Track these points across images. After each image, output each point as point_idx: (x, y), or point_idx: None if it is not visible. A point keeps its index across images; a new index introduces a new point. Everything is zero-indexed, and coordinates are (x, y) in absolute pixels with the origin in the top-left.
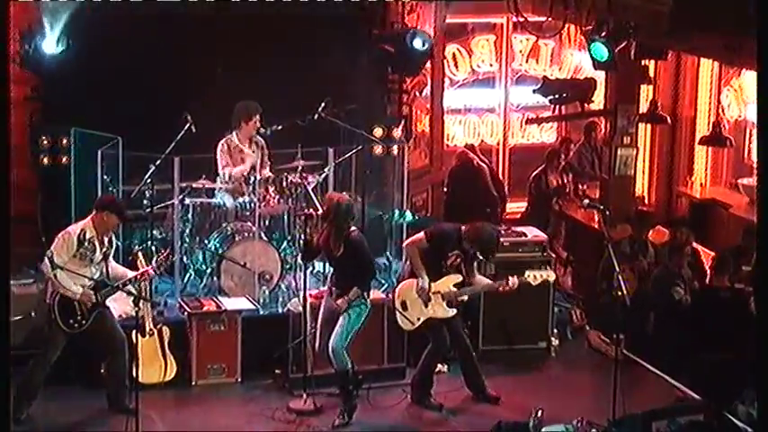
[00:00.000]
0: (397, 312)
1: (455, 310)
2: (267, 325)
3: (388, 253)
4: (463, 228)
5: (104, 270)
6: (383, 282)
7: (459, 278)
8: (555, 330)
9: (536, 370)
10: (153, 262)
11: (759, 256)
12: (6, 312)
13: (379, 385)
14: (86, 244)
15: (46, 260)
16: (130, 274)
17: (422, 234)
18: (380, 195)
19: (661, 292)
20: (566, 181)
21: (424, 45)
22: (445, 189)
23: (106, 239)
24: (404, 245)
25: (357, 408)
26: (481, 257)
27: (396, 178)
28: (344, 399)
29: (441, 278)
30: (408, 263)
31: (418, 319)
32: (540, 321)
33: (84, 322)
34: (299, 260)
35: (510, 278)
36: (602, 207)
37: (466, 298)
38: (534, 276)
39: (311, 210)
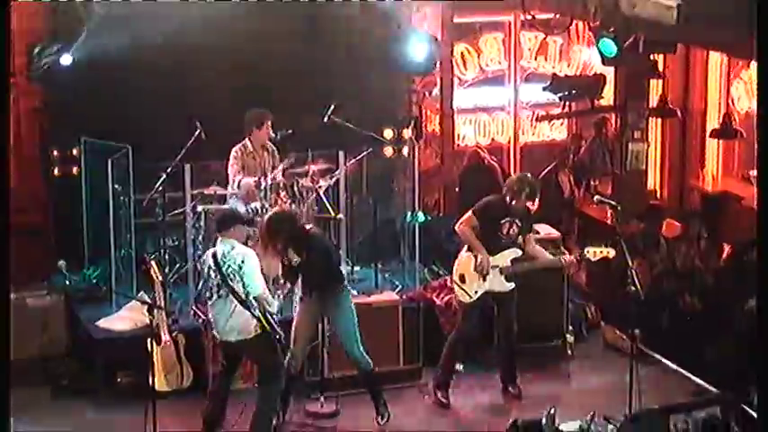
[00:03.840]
0: (455, 286)
1: (513, 285)
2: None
3: (401, 255)
4: (504, 189)
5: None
6: (397, 283)
7: (518, 253)
8: (570, 327)
9: (552, 367)
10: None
11: (760, 256)
12: (7, 312)
13: (394, 387)
14: None
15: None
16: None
17: (469, 213)
18: (392, 197)
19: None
20: (577, 182)
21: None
22: (457, 189)
23: None
24: (456, 227)
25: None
26: (532, 208)
27: (407, 179)
28: (376, 398)
29: (499, 252)
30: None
31: (476, 292)
32: (555, 319)
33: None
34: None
35: (568, 255)
36: (614, 203)
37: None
38: (594, 252)
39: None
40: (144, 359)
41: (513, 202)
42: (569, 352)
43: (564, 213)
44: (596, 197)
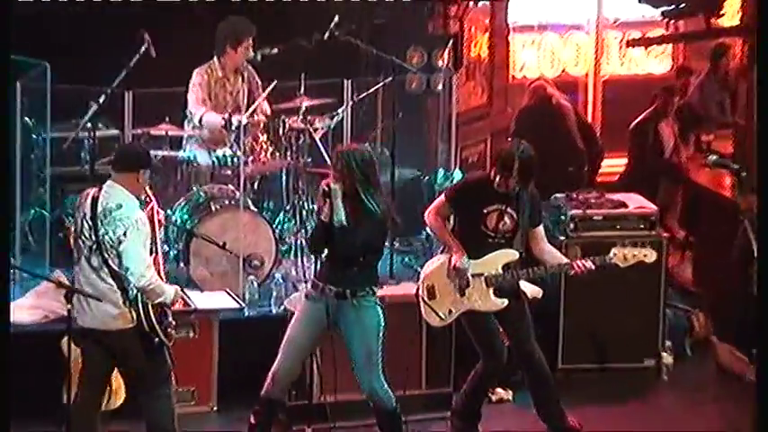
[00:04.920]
0: (422, 302)
1: (506, 301)
2: (255, 331)
3: (427, 230)
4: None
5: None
6: (419, 270)
7: (513, 255)
8: (668, 343)
9: (640, 398)
10: None
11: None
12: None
13: (416, 418)
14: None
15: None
16: None
17: (442, 196)
18: (418, 148)
19: None
20: (683, 135)
21: None
22: (510, 139)
23: None
24: (425, 216)
25: None
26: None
27: (440, 124)
28: None
29: (485, 255)
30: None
31: (450, 312)
32: (647, 330)
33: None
34: (306, 245)
35: (581, 259)
36: (736, 166)
37: (533, 289)
38: (624, 256)
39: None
40: (56, 365)
41: (499, 182)
42: (664, 377)
43: (664, 179)
44: (710, 157)
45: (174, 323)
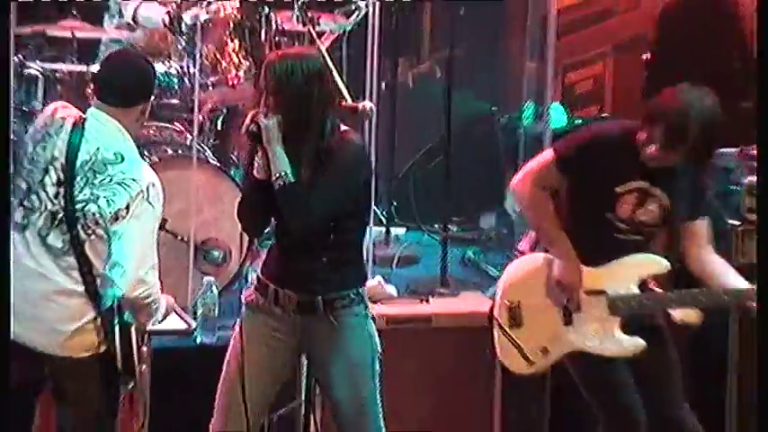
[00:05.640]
0: (499, 331)
1: (640, 342)
2: (210, 367)
3: (506, 203)
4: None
5: None
6: (495, 272)
7: (658, 265)
8: None
9: None
10: None
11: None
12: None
13: None
14: None
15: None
16: None
17: (549, 153)
18: (493, 70)
19: None
20: None
21: None
22: (647, 55)
23: None
24: (512, 185)
25: None
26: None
27: (529, 30)
28: None
29: (609, 260)
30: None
31: (545, 350)
32: None
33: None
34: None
35: None
36: None
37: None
38: None
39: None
40: None
41: (653, 152)
42: None
43: None
44: None
45: (145, 353)
